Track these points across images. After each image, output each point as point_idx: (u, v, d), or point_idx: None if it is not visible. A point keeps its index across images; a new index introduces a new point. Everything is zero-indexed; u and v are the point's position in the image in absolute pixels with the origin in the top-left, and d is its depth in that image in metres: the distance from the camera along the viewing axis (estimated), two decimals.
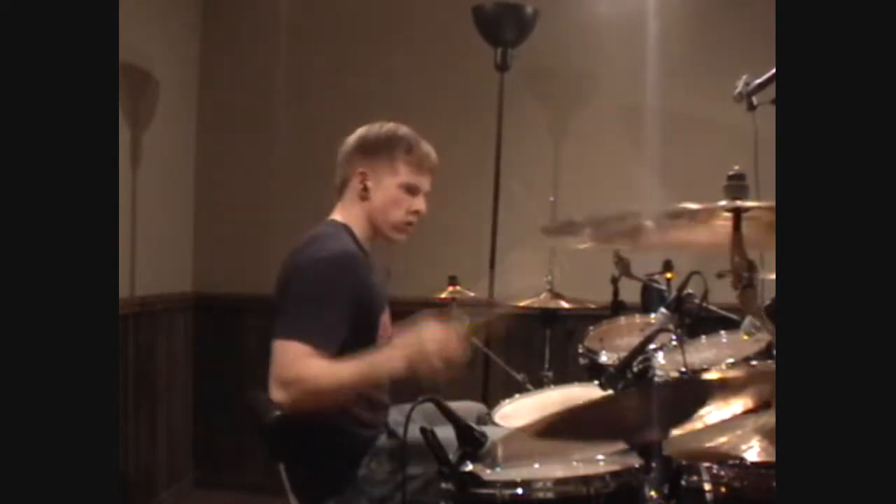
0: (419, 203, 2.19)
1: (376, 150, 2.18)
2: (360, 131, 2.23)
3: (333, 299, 1.97)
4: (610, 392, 1.77)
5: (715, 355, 2.22)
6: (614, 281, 3.06)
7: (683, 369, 2.03)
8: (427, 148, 2.21)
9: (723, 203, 1.50)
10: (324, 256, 2.03)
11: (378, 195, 2.16)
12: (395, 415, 2.14)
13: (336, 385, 1.92)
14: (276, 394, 1.88)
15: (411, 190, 2.18)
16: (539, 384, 2.89)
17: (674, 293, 1.96)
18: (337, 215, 2.20)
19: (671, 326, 1.91)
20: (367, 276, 2.09)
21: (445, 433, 1.53)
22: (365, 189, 2.17)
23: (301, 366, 1.88)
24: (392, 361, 1.94)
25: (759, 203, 1.48)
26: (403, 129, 2.21)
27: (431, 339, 1.93)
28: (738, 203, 1.48)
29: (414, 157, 2.17)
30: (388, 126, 2.22)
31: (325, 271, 2.00)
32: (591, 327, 2.80)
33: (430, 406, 1.58)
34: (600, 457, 1.79)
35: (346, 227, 2.16)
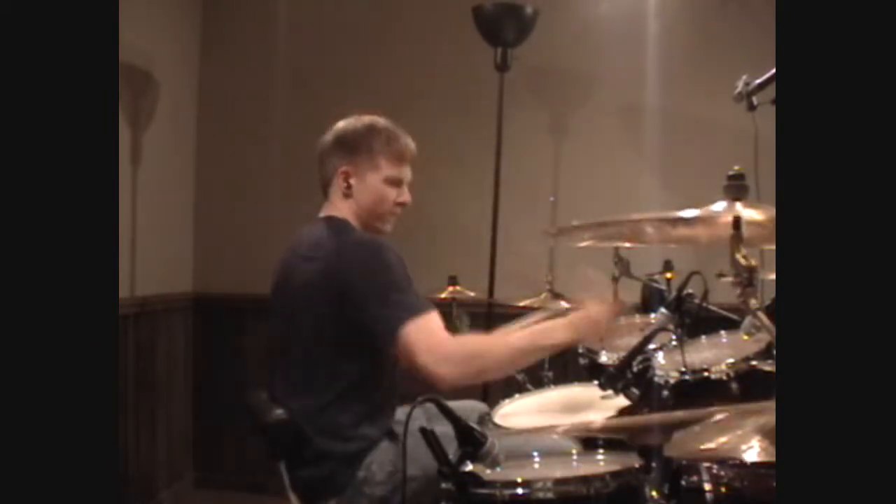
0: (404, 195, 2.19)
1: (356, 146, 2.17)
2: (337, 128, 2.22)
3: (398, 268, 1.99)
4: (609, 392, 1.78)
5: (715, 355, 2.22)
6: (614, 281, 3.05)
7: (683, 369, 2.03)
8: (405, 138, 2.20)
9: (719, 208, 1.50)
10: (369, 247, 2.03)
11: (363, 192, 2.16)
12: (399, 416, 2.14)
13: (509, 354, 1.94)
14: (440, 371, 1.84)
15: (394, 182, 2.17)
16: (539, 384, 2.88)
17: (674, 293, 1.96)
18: (331, 211, 2.19)
19: (671, 326, 1.91)
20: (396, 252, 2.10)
21: (445, 433, 1.53)
22: (349, 187, 2.16)
23: (438, 333, 1.89)
24: (560, 331, 2.00)
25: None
26: (381, 122, 2.20)
27: (597, 312, 2.04)
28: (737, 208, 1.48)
29: (393, 149, 2.17)
30: (364, 120, 2.21)
31: (384, 259, 1.99)
32: None
33: (430, 406, 1.58)
34: (600, 457, 1.80)
35: (348, 222, 2.16)
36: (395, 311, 1.91)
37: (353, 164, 2.16)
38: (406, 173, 2.20)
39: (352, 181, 2.16)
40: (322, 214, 2.20)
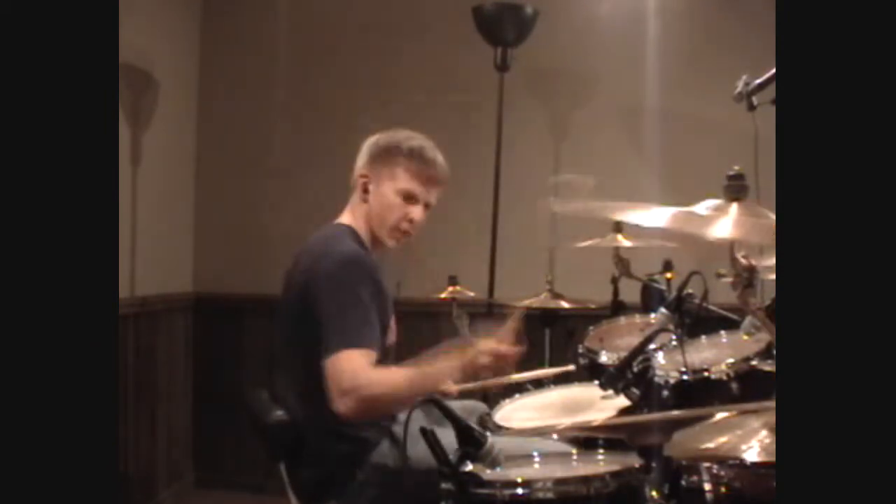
0: (416, 212, 2.17)
1: (379, 154, 2.18)
2: (375, 136, 2.24)
3: (367, 297, 1.99)
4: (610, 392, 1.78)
5: (715, 355, 2.22)
6: (614, 281, 3.06)
7: (683, 369, 2.03)
8: (436, 159, 2.18)
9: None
10: (340, 260, 2.04)
11: (375, 199, 2.17)
12: (399, 416, 2.14)
13: (392, 391, 1.93)
14: (338, 405, 1.88)
15: (409, 197, 2.16)
16: (539, 384, 2.88)
17: (674, 293, 1.96)
18: (344, 217, 2.22)
19: (671, 326, 1.91)
20: (378, 277, 2.10)
21: (445, 433, 1.53)
22: (365, 192, 2.18)
23: (359, 373, 1.89)
24: (446, 372, 2.03)
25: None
26: (416, 139, 2.19)
27: (485, 351, 2.04)
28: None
29: (414, 164, 2.15)
30: (401, 133, 2.21)
31: (349, 274, 2.01)
32: (591, 327, 2.80)
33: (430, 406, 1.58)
34: (600, 457, 1.80)
35: (351, 230, 2.16)
36: (331, 333, 1.93)
37: (373, 169, 2.18)
38: (426, 194, 2.18)
39: (370, 186, 2.17)
40: (337, 220, 2.22)
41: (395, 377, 1.96)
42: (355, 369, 1.89)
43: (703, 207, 1.62)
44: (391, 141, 2.19)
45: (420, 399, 1.58)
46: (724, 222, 1.53)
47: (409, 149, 2.16)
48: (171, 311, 3.94)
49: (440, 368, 2.03)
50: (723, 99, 2.22)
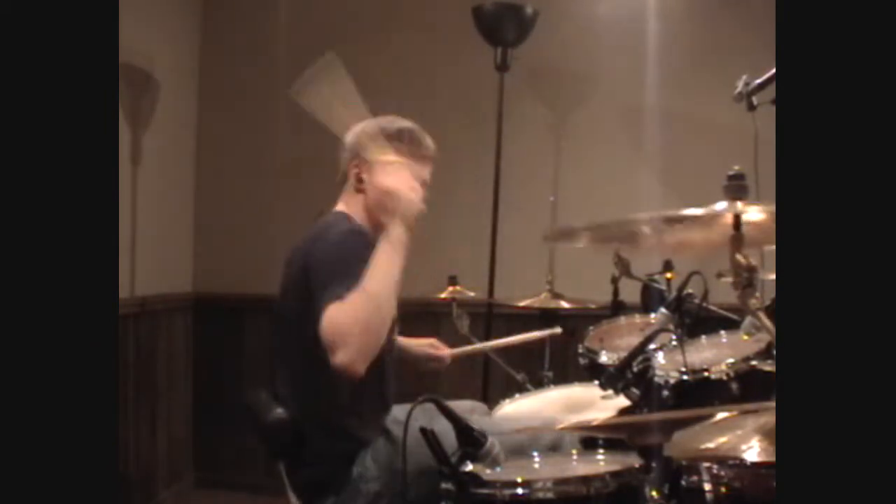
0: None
1: (368, 140, 2.17)
2: (362, 125, 2.23)
3: (359, 259, 1.92)
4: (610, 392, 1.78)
5: (715, 355, 2.22)
6: (614, 281, 3.06)
7: (683, 369, 2.03)
8: (423, 138, 2.21)
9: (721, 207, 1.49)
10: (339, 231, 2.03)
11: (372, 187, 2.16)
12: (396, 414, 2.14)
13: (374, 305, 1.85)
14: (338, 359, 1.79)
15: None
16: (539, 384, 2.88)
17: (674, 293, 1.96)
18: (340, 206, 2.21)
19: (671, 326, 1.91)
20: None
21: (445, 433, 1.53)
22: (360, 181, 2.17)
23: (339, 320, 1.81)
24: (397, 243, 1.95)
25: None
26: (400, 121, 2.21)
27: (400, 188, 2.03)
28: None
29: (405, 146, 2.17)
30: (383, 118, 2.22)
31: (344, 241, 1.99)
32: (591, 327, 2.80)
33: (430, 406, 1.58)
34: (600, 457, 1.80)
35: (346, 216, 2.16)
36: (319, 294, 1.87)
37: (364, 158, 2.17)
38: (421, 172, 2.20)
39: (363, 175, 2.17)
40: (334, 209, 2.21)
41: (364, 293, 1.85)
42: (336, 319, 1.81)
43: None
44: (377, 128, 2.19)
45: (420, 399, 1.58)
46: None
47: (397, 131, 2.18)
48: (171, 311, 3.94)
49: (392, 244, 1.96)
50: (723, 99, 2.23)
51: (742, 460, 1.58)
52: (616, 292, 3.09)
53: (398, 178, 2.08)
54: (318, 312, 1.85)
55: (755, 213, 1.50)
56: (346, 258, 1.94)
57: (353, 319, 1.82)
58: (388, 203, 2.03)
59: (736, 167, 1.60)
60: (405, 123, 2.22)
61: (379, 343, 1.88)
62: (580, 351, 2.66)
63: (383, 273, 1.90)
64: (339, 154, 2.24)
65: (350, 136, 2.22)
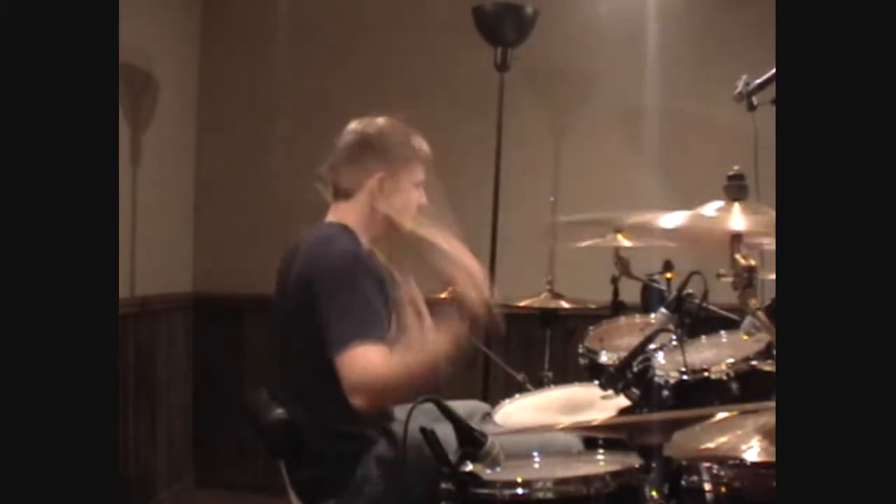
0: (423, 197, 2.22)
1: (392, 150, 2.17)
2: (361, 131, 2.20)
3: (371, 290, 1.98)
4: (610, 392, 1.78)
5: (715, 355, 2.22)
6: (614, 281, 3.06)
7: (683, 369, 2.03)
8: (424, 144, 2.23)
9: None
10: (339, 257, 2.03)
11: (396, 195, 2.16)
12: (396, 414, 2.14)
13: (405, 377, 1.92)
14: (355, 400, 1.87)
15: (420, 185, 2.20)
16: (539, 384, 2.88)
17: (674, 293, 1.97)
18: (336, 217, 2.19)
19: (671, 326, 1.92)
20: (378, 271, 2.09)
21: (445, 433, 1.53)
22: (381, 190, 2.15)
23: (371, 367, 1.88)
24: (444, 345, 1.97)
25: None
26: (402, 126, 2.21)
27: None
28: None
29: (422, 153, 2.20)
30: (381, 122, 2.21)
31: (351, 270, 2.00)
32: (591, 327, 2.80)
33: (430, 406, 1.58)
34: (600, 457, 1.80)
35: (345, 227, 2.15)
36: (337, 329, 1.92)
37: (390, 167, 2.16)
38: (420, 175, 2.22)
39: (386, 184, 2.15)
40: (328, 220, 2.19)
41: (405, 363, 1.93)
42: (367, 363, 1.88)
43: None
44: (396, 134, 2.19)
45: (420, 399, 1.58)
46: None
47: (414, 139, 2.19)
48: (171, 311, 3.94)
49: (439, 342, 1.99)
50: (723, 99, 2.22)
51: (742, 460, 1.58)
52: (616, 292, 3.09)
53: (468, 264, 2.11)
54: (335, 343, 1.90)
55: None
56: (355, 289, 1.96)
57: (385, 378, 1.89)
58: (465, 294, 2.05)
59: (736, 167, 1.60)
60: (412, 131, 2.21)
61: (395, 403, 2.00)
62: (580, 351, 2.66)
63: (431, 358, 1.94)
64: (341, 162, 2.21)
65: (361, 144, 2.19)
